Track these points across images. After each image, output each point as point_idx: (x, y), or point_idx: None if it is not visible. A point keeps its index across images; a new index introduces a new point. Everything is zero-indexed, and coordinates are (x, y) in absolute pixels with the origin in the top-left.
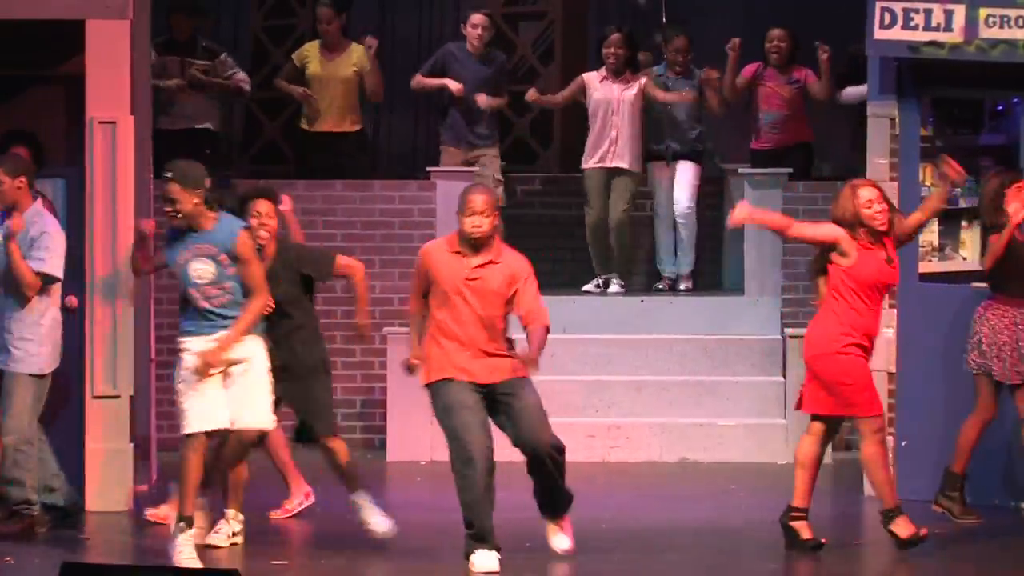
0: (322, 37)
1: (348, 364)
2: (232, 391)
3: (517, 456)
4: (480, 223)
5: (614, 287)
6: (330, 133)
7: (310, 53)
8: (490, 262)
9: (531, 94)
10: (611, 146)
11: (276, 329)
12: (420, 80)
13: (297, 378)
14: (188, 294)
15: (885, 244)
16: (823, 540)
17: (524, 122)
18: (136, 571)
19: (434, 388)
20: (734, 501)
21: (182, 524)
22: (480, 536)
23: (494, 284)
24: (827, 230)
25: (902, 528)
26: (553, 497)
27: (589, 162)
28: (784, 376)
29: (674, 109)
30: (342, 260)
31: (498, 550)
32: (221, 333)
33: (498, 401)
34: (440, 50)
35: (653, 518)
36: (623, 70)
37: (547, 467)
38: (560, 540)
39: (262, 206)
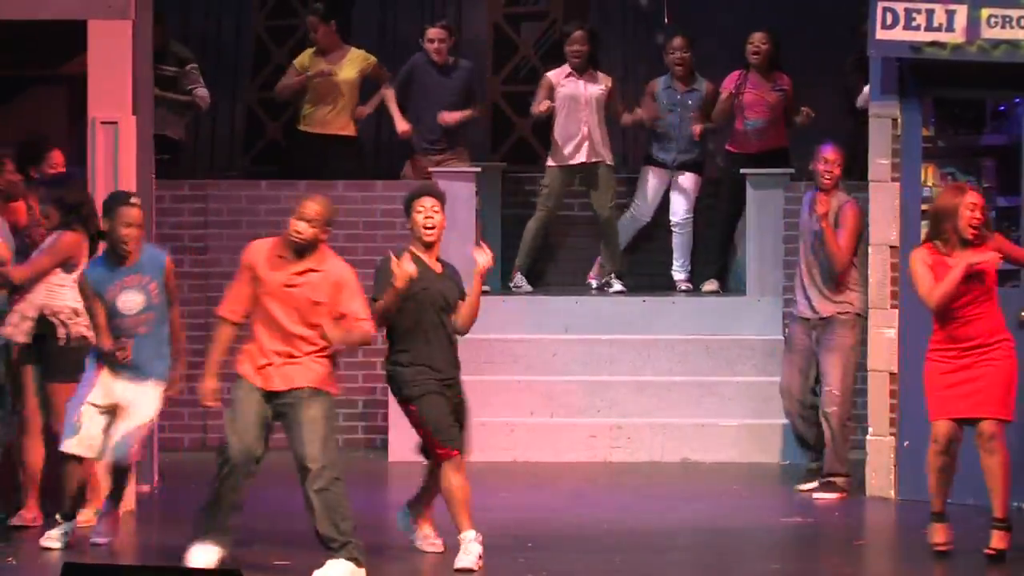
0: (314, 44)
1: (350, 364)
2: None
3: (520, 456)
4: (302, 229)
5: (617, 286)
6: (323, 136)
7: (307, 60)
8: (310, 270)
9: (542, 106)
10: (585, 141)
11: None
12: (385, 95)
13: None
14: None
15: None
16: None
17: (526, 122)
18: (138, 571)
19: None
20: (735, 501)
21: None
22: (209, 529)
23: (311, 292)
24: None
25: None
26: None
27: (553, 159)
28: None
29: (683, 120)
30: None
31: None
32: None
33: (281, 412)
34: (408, 62)
35: (654, 518)
36: (586, 67)
37: (316, 485)
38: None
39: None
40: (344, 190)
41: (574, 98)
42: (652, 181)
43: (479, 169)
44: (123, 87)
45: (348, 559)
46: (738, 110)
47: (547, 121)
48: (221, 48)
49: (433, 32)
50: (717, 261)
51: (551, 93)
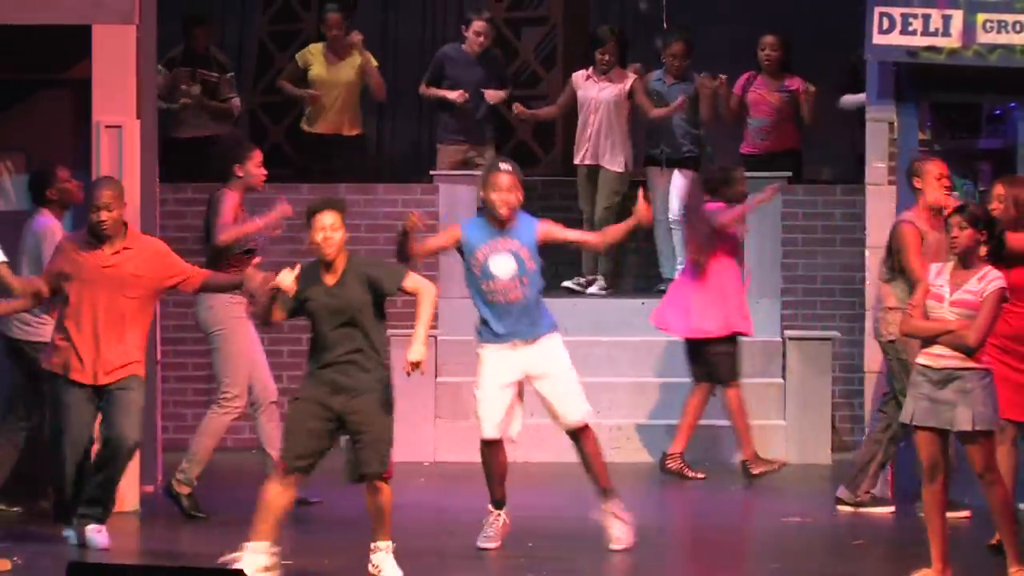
0: (329, 41)
1: None
2: None
3: (520, 457)
4: (105, 217)
5: (595, 288)
6: (330, 136)
7: (314, 55)
8: (124, 248)
9: (517, 107)
10: (588, 143)
11: None
12: (425, 89)
13: None
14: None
15: None
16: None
17: (526, 125)
18: (143, 571)
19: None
20: (735, 501)
21: None
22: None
23: (132, 268)
24: None
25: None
26: (104, 492)
27: (575, 159)
28: (784, 377)
29: (671, 116)
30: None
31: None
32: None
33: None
34: (437, 54)
35: (654, 517)
36: (611, 68)
37: (117, 462)
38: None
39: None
40: (346, 193)
41: (588, 101)
42: (653, 180)
43: (479, 173)
44: (127, 91)
45: None
46: (744, 110)
47: (550, 124)
48: (225, 52)
49: (479, 25)
50: None
51: (572, 94)
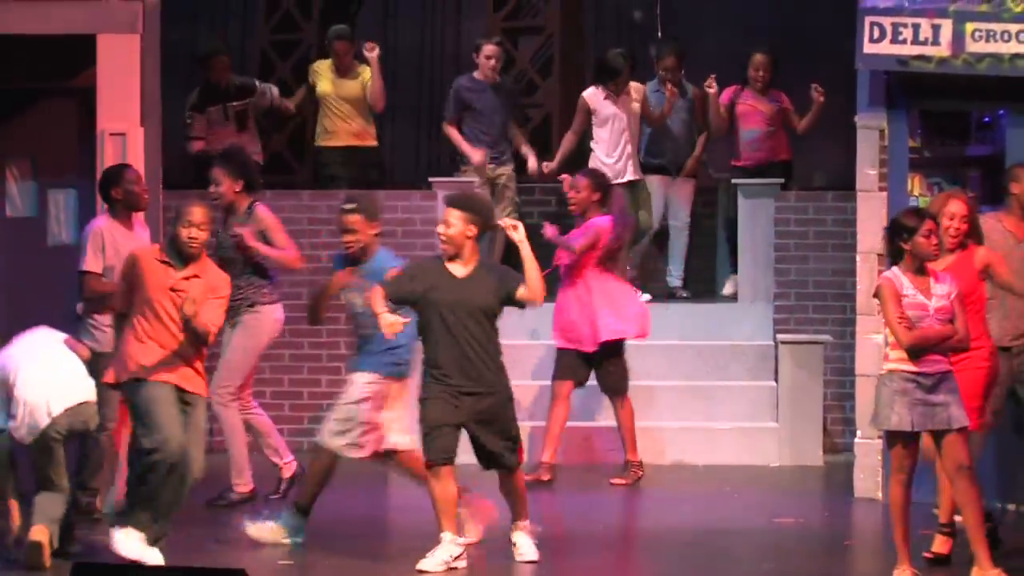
0: (336, 63)
1: None
2: None
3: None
4: (196, 235)
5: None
6: (348, 148)
7: (320, 72)
8: (194, 275)
9: (547, 166)
10: (629, 160)
11: None
12: (448, 130)
13: None
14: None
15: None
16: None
17: (523, 133)
18: (148, 571)
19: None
20: (728, 502)
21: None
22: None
23: (193, 296)
24: None
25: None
26: (163, 509)
27: (626, 176)
28: (776, 380)
29: (673, 123)
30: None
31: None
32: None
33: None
34: (452, 90)
35: (649, 518)
36: (625, 85)
37: (182, 483)
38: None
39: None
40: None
41: (619, 118)
42: (658, 189)
43: (477, 180)
44: (131, 99)
45: None
46: (735, 122)
47: (547, 133)
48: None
49: (490, 49)
50: (733, 264)
51: (585, 114)
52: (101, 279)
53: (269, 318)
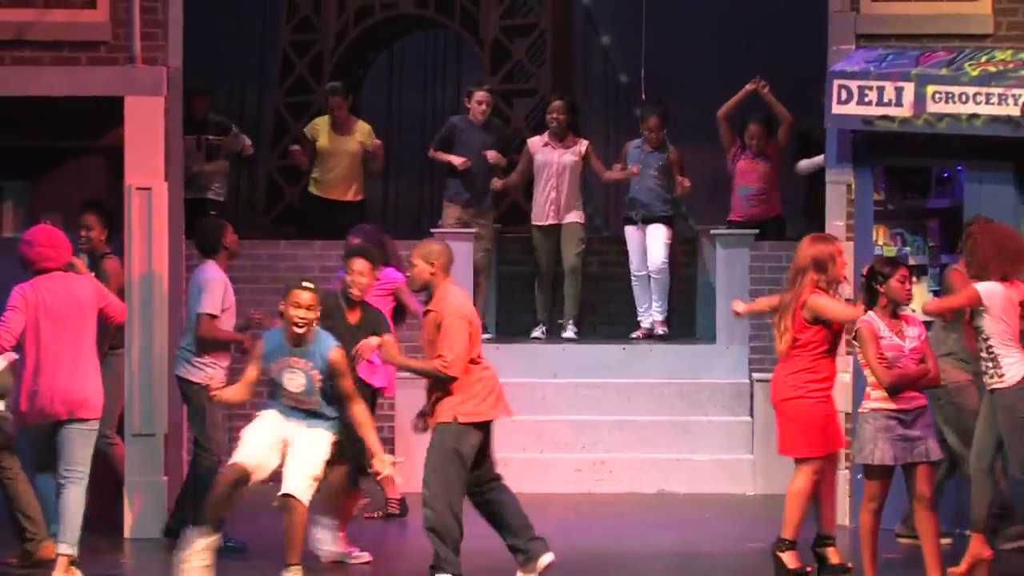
0: (332, 117)
1: None
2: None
3: (512, 488)
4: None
5: (569, 332)
6: (336, 201)
7: (320, 127)
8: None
9: (495, 183)
10: (551, 205)
11: None
12: (433, 153)
13: None
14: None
15: None
16: (808, 568)
17: (519, 187)
18: None
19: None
20: (707, 528)
21: None
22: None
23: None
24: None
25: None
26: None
27: (536, 220)
28: (751, 416)
29: (645, 178)
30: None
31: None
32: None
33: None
34: (446, 124)
35: (634, 544)
36: (565, 134)
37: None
38: None
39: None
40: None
41: (548, 165)
42: (634, 239)
43: (476, 230)
44: (156, 156)
45: None
46: (733, 179)
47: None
48: (245, 121)
49: (481, 95)
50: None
51: (530, 159)
52: (218, 323)
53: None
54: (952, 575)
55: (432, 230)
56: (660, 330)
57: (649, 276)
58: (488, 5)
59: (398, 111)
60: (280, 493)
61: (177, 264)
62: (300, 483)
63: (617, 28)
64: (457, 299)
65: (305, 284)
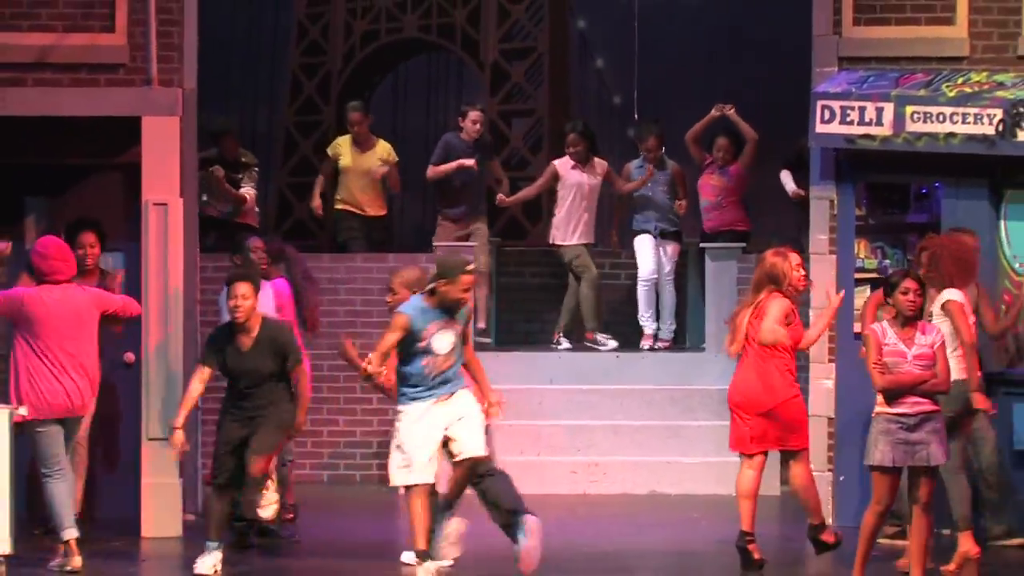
0: (353, 135)
1: (366, 411)
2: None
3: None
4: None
5: (603, 340)
6: (362, 215)
7: (342, 146)
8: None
9: (501, 199)
10: (584, 226)
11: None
12: (434, 169)
13: None
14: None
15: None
16: (765, 559)
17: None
18: None
19: None
20: (697, 527)
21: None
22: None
23: None
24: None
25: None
26: None
27: (570, 239)
28: None
29: (655, 194)
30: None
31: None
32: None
33: None
34: (441, 140)
35: (627, 542)
36: (587, 158)
37: None
38: None
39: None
40: (363, 261)
41: (579, 187)
42: (646, 246)
43: (475, 244)
44: (172, 173)
45: None
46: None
47: (537, 202)
48: (256, 139)
49: (475, 114)
50: None
51: (551, 179)
52: None
53: None
54: (945, 573)
55: (436, 244)
56: (662, 345)
57: (658, 286)
58: (488, 30)
59: (402, 130)
60: (464, 457)
61: (192, 275)
62: (479, 443)
63: (610, 51)
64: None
65: (468, 268)
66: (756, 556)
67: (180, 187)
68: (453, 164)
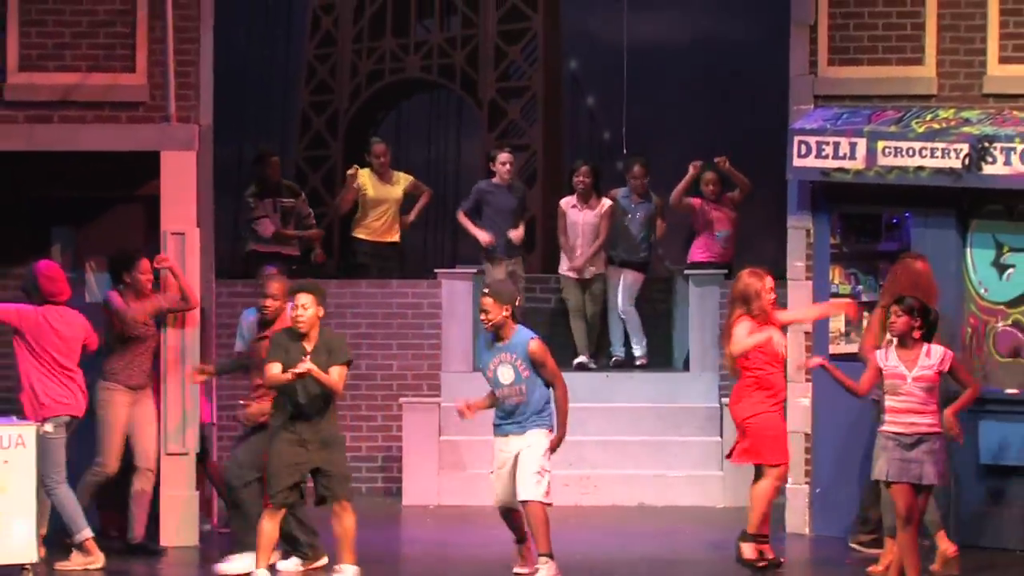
0: (375, 167)
1: (372, 427)
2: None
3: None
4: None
5: (591, 363)
6: (381, 242)
7: (365, 179)
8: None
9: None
10: (577, 260)
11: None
12: (461, 219)
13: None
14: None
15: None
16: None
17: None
18: None
19: None
20: (682, 537)
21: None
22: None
23: None
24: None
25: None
26: None
27: (566, 271)
28: (721, 436)
29: (631, 225)
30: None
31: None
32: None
33: None
34: (475, 188)
35: (617, 551)
36: (590, 195)
37: None
38: None
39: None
40: (368, 287)
41: (575, 225)
42: (616, 278)
43: (476, 271)
44: (189, 205)
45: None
46: (706, 225)
47: (531, 232)
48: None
49: (505, 156)
50: None
51: (564, 218)
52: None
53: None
54: (933, 572)
55: (435, 270)
56: (640, 361)
57: (621, 316)
58: (486, 70)
59: (404, 163)
60: (520, 500)
61: (208, 301)
62: (529, 488)
63: (601, 90)
64: None
65: (484, 291)
66: (770, 556)
67: (197, 218)
68: (475, 231)
